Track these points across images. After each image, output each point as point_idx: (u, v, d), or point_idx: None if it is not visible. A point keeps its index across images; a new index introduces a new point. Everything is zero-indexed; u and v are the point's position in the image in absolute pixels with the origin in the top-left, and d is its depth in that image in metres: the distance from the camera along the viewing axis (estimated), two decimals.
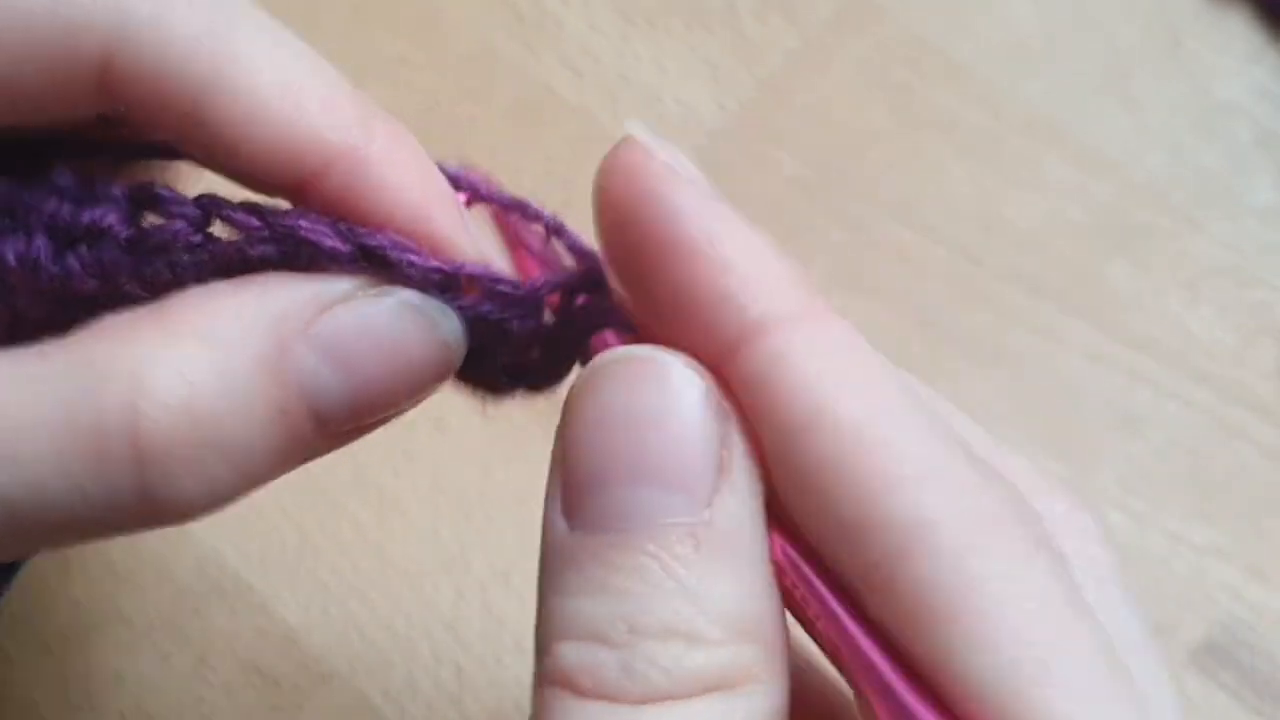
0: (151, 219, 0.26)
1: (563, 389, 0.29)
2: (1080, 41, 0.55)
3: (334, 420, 0.25)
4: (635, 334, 0.26)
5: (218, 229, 0.26)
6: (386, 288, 0.26)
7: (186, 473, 0.24)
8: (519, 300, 0.27)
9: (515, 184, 0.52)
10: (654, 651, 0.22)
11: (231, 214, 0.26)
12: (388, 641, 0.46)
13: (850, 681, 0.23)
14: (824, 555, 0.23)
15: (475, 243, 0.28)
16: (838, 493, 0.22)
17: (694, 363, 0.24)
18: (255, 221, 0.26)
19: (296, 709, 0.46)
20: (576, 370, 0.29)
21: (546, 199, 0.29)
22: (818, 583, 0.23)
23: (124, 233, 0.26)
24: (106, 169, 0.28)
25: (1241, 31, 0.55)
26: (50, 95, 0.26)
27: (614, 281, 0.26)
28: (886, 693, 0.22)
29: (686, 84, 0.56)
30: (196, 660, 0.47)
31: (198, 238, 0.26)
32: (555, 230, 0.29)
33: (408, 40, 0.57)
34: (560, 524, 0.24)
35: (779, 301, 0.23)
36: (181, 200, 0.26)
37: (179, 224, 0.26)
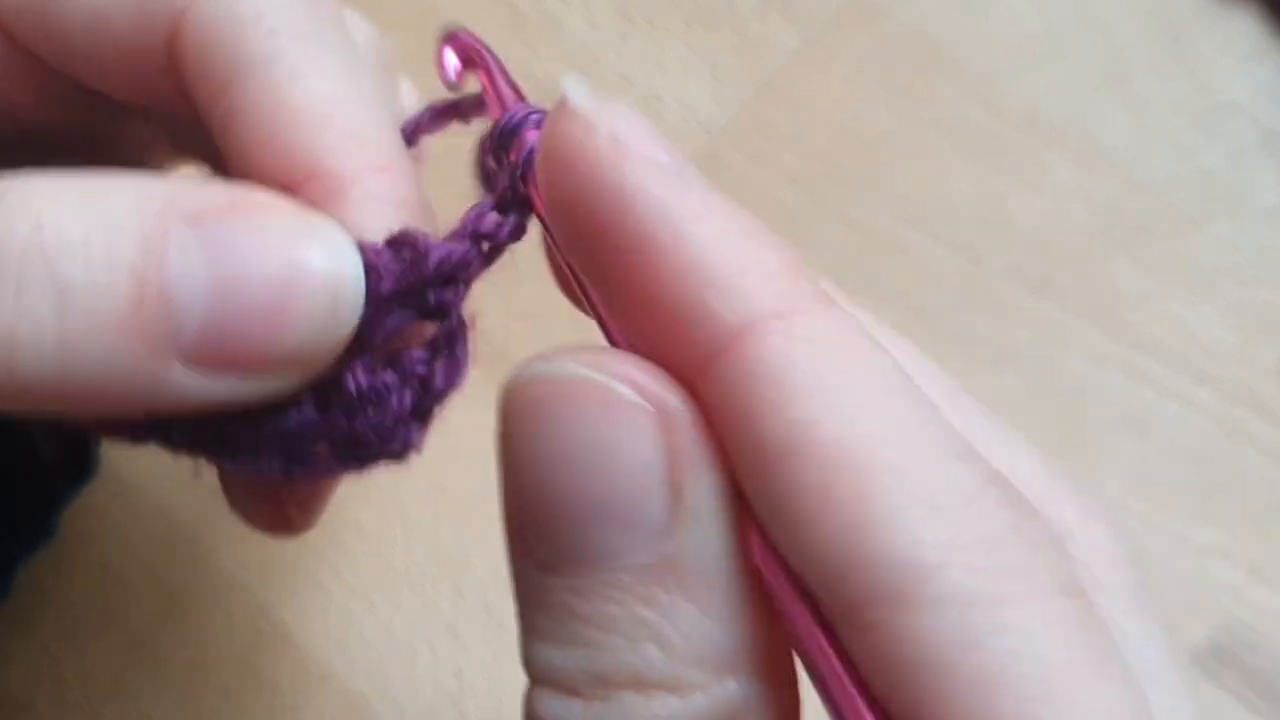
0: None
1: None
2: (1082, 40, 0.55)
3: (187, 320, 0.22)
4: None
5: None
6: (305, 213, 0.24)
7: (5, 289, 0.21)
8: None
9: None
10: (629, 706, 0.20)
11: None
12: (387, 644, 0.46)
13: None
14: (809, 590, 0.20)
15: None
16: (822, 525, 0.19)
17: (636, 372, 0.21)
18: None
19: (295, 711, 0.46)
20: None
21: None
22: (793, 607, 0.20)
23: None
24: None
25: (1244, 30, 0.55)
26: (132, 31, 0.26)
27: (566, 266, 0.23)
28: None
29: (687, 83, 0.56)
30: (194, 662, 0.46)
31: None
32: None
33: (408, 40, 0.57)
34: (517, 558, 0.22)
35: (756, 300, 0.20)
36: None
37: None
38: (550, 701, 0.21)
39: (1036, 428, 0.49)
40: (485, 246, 0.25)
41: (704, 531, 0.20)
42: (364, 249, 0.25)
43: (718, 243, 0.20)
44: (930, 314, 0.51)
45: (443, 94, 0.30)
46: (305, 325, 0.23)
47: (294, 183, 0.25)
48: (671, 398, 0.21)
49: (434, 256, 0.25)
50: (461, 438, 0.50)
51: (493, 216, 0.25)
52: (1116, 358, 0.49)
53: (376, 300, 0.24)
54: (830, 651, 0.20)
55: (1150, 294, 0.50)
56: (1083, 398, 0.49)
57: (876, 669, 0.19)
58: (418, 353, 0.25)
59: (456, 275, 0.25)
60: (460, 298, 0.25)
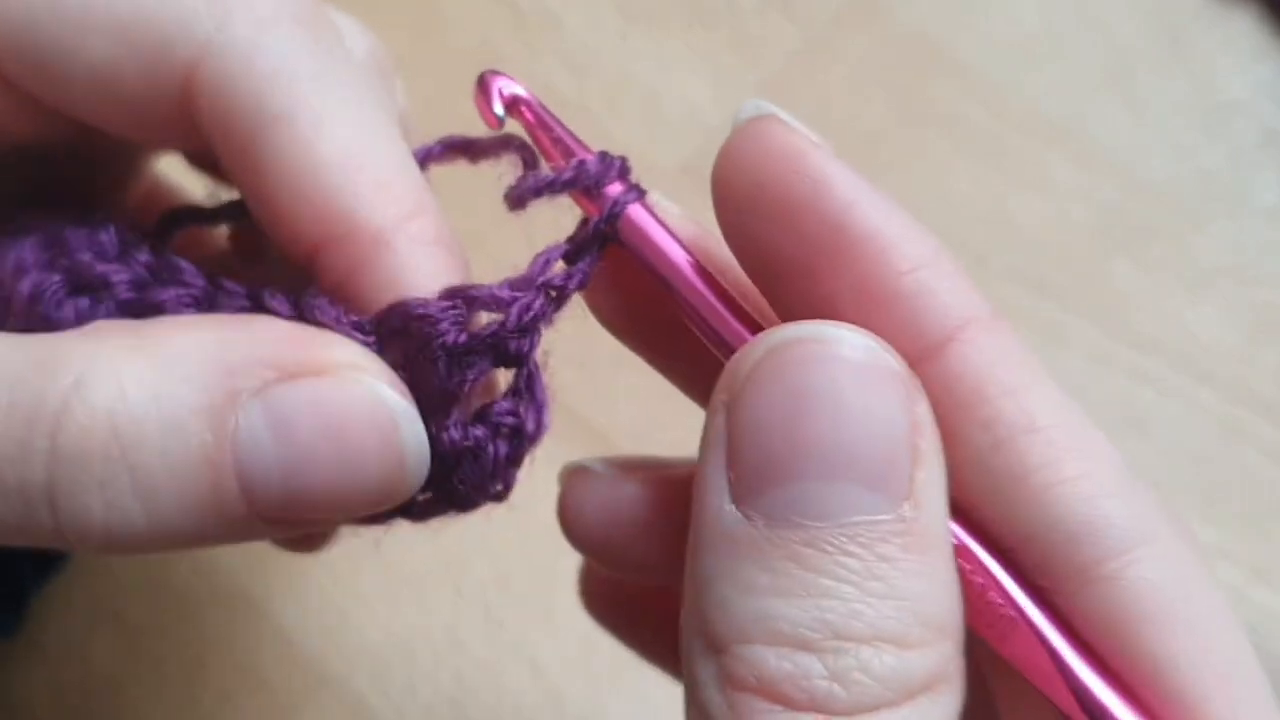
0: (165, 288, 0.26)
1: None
2: (1083, 40, 0.55)
3: (264, 496, 0.23)
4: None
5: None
6: (362, 374, 0.24)
7: (91, 488, 0.23)
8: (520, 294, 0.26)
9: None
10: (865, 659, 0.21)
11: (228, 287, 0.26)
12: (386, 645, 0.46)
13: (1022, 669, 0.23)
14: (1021, 549, 0.23)
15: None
16: (1065, 492, 0.22)
17: (882, 340, 0.23)
18: (246, 301, 0.26)
19: (295, 712, 0.46)
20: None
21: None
22: (1000, 568, 0.23)
23: (124, 294, 0.26)
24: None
25: (1245, 30, 0.54)
26: (143, 87, 0.26)
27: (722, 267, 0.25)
28: (1065, 674, 0.23)
29: (687, 83, 0.55)
30: (193, 665, 0.46)
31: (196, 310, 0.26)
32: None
33: (408, 40, 0.57)
34: (730, 511, 0.22)
35: (973, 301, 0.24)
36: (192, 274, 0.26)
37: (181, 293, 0.26)
38: (773, 655, 0.21)
39: None
40: (553, 294, 0.26)
41: (936, 495, 0.22)
42: (432, 305, 0.25)
43: (931, 244, 0.24)
44: None
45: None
46: (375, 487, 0.24)
47: (333, 239, 0.25)
48: (912, 373, 0.23)
49: (514, 311, 0.25)
50: None
51: (559, 266, 0.26)
52: (1117, 358, 0.49)
53: (453, 353, 0.25)
54: (1031, 604, 0.23)
55: (1151, 294, 0.50)
56: (1083, 398, 0.48)
57: (1108, 614, 0.22)
58: (503, 404, 0.26)
59: (533, 325, 0.26)
60: (534, 346, 0.26)
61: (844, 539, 0.21)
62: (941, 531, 0.22)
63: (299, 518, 0.24)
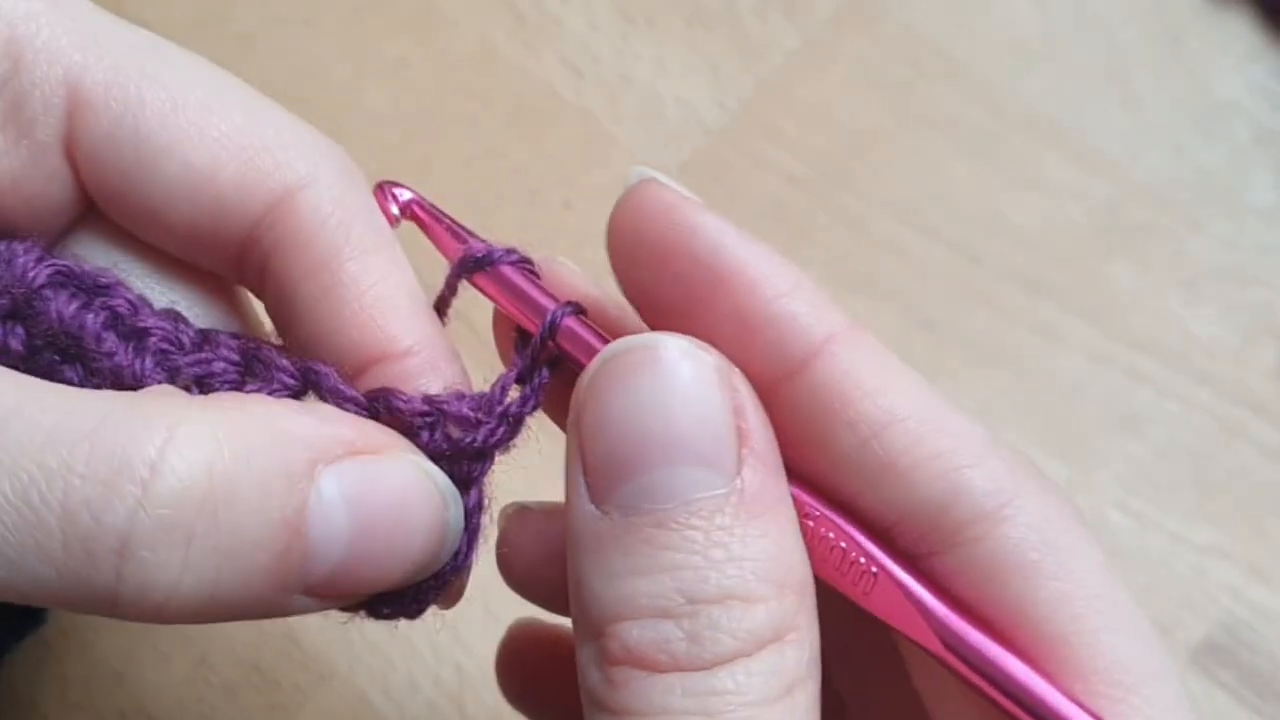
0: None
1: None
2: (1080, 41, 0.55)
3: (323, 564, 0.25)
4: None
5: None
6: (414, 455, 0.26)
7: (177, 543, 0.23)
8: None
9: (516, 184, 0.51)
10: (716, 617, 0.24)
11: (267, 354, 0.27)
12: (388, 641, 0.46)
13: (887, 619, 0.26)
14: (898, 526, 0.26)
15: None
16: (927, 470, 0.25)
17: (699, 341, 0.25)
18: (239, 356, 0.27)
19: (297, 708, 0.46)
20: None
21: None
22: (857, 531, 0.26)
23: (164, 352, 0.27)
24: None
25: (1241, 31, 0.55)
26: (233, 205, 0.28)
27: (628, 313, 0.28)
28: (925, 613, 0.26)
29: (687, 83, 0.56)
30: (197, 660, 0.47)
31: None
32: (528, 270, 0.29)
33: (408, 40, 0.57)
34: (590, 510, 0.25)
35: (832, 318, 0.26)
36: (229, 345, 0.28)
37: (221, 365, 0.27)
38: (641, 629, 0.24)
39: (1035, 427, 0.49)
40: (510, 421, 0.28)
41: (764, 469, 0.25)
42: (414, 403, 0.27)
43: (794, 277, 0.26)
44: (929, 313, 0.51)
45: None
46: (417, 560, 0.27)
47: (391, 357, 0.28)
48: (730, 364, 0.25)
49: (481, 432, 0.27)
50: None
51: (514, 394, 0.28)
52: (1115, 357, 0.50)
53: (433, 454, 0.27)
54: (900, 569, 0.26)
55: (1148, 293, 0.51)
56: (1081, 397, 0.49)
57: (978, 571, 0.26)
58: None
59: (489, 450, 0.28)
60: (484, 473, 0.28)
61: (687, 515, 0.24)
62: (774, 498, 0.25)
63: (338, 592, 0.26)
